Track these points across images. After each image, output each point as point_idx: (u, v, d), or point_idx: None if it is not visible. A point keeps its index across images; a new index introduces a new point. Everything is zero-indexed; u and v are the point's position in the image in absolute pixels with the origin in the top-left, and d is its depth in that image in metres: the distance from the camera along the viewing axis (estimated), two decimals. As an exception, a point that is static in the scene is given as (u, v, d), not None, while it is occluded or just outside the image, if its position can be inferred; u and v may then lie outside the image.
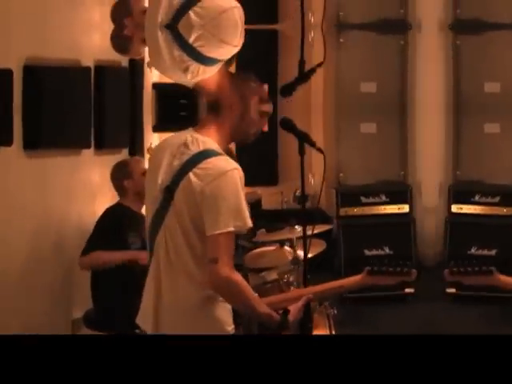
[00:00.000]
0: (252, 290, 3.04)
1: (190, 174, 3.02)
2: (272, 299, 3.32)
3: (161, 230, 3.07)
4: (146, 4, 3.48)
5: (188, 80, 3.25)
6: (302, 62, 4.34)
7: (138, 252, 4.91)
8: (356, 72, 8.14)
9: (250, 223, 3.03)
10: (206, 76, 3.22)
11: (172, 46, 3.15)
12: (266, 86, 3.33)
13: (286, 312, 3.03)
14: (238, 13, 3.19)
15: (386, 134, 8.20)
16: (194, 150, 3.08)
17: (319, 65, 4.47)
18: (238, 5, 3.22)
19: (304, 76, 4.28)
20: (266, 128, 3.31)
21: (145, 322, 3.15)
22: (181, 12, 3.13)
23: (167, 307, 3.07)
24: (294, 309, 3.07)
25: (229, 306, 3.08)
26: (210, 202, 2.98)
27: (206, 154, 3.06)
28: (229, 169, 3.03)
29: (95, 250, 4.95)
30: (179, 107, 6.49)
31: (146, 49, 3.38)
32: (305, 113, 8.28)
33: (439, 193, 7.62)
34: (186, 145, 3.10)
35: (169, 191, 3.06)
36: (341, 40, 8.10)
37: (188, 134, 3.15)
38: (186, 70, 3.19)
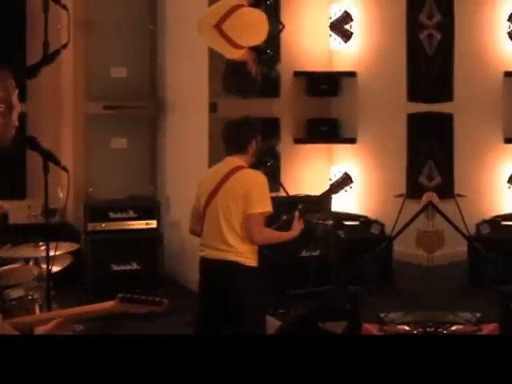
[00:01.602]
0: None
1: None
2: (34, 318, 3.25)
3: None
4: None
5: None
6: (46, 43, 4.26)
7: None
8: (106, 57, 8.18)
9: None
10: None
11: None
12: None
13: None
14: None
15: (136, 149, 8.28)
16: None
17: (64, 46, 4.40)
18: None
19: (48, 57, 4.20)
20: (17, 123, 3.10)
21: None
22: None
23: None
24: (42, 331, 3.02)
25: None
26: None
27: None
28: None
29: None
30: None
31: None
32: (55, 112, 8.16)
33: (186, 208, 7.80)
34: None
35: None
36: (90, 25, 8.08)
37: None
38: None
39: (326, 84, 9.73)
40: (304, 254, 7.35)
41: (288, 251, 6.83)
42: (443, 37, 7.62)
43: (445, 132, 8.15)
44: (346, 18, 9.51)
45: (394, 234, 5.91)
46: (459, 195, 7.63)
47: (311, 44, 9.73)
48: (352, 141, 9.96)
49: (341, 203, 9.13)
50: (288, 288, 6.99)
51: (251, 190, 4.77)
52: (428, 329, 3.65)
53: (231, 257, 4.78)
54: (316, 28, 9.74)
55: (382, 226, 8.37)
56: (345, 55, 9.90)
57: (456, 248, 7.68)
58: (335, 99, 9.97)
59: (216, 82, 7.61)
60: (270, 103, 9.28)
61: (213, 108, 7.77)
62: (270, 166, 5.41)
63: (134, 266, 7.15)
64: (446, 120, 8.14)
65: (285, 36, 9.15)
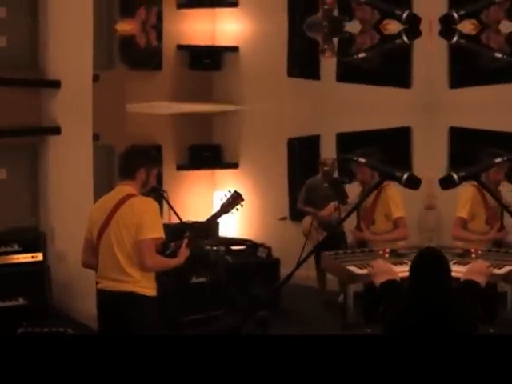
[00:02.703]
0: None
1: None
2: None
3: None
4: None
5: None
6: None
7: None
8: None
9: None
10: None
11: None
12: None
13: None
14: None
15: (17, 179, 8.04)
16: None
17: None
18: None
19: None
20: None
21: None
22: None
23: None
24: None
25: None
26: None
27: None
28: None
29: None
30: None
31: None
32: None
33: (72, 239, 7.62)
34: None
35: None
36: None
37: None
38: None
39: (209, 58, 9.87)
40: (194, 280, 7.33)
41: (178, 278, 6.79)
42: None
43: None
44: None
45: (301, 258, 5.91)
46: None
47: (195, 18, 9.83)
48: (234, 166, 10.06)
49: (225, 228, 9.17)
50: (179, 315, 6.93)
51: (143, 216, 4.73)
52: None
53: (129, 287, 4.69)
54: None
55: (269, 249, 8.45)
56: (228, 30, 10.04)
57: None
58: (218, 73, 10.11)
59: (100, 54, 7.54)
60: (153, 76, 9.30)
61: (96, 136, 7.66)
62: (162, 193, 5.35)
63: (21, 301, 6.89)
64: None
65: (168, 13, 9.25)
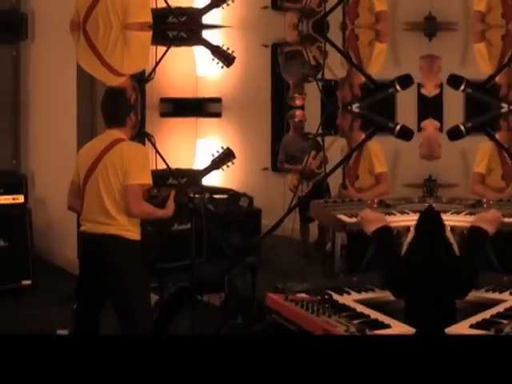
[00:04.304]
0: None
1: None
2: None
3: None
4: None
5: None
6: None
7: None
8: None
9: None
10: None
11: None
12: None
13: None
14: None
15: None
16: None
17: None
18: None
19: None
20: None
21: None
22: None
23: None
24: None
25: None
26: None
27: None
28: None
29: None
30: None
31: None
32: None
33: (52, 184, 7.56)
34: None
35: None
36: None
37: None
38: None
39: (192, 110, 9.84)
40: (176, 227, 7.32)
41: (160, 224, 6.77)
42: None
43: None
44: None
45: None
46: None
47: (177, 71, 9.66)
48: (217, 115, 10.01)
49: (207, 176, 9.12)
50: (160, 261, 6.93)
51: (131, 161, 4.69)
52: (326, 297, 3.68)
53: (112, 230, 4.66)
54: (182, 54, 9.71)
55: (251, 199, 8.43)
56: (210, 81, 9.92)
57: None
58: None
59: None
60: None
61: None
62: (150, 138, 5.31)
63: (2, 243, 6.85)
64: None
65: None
